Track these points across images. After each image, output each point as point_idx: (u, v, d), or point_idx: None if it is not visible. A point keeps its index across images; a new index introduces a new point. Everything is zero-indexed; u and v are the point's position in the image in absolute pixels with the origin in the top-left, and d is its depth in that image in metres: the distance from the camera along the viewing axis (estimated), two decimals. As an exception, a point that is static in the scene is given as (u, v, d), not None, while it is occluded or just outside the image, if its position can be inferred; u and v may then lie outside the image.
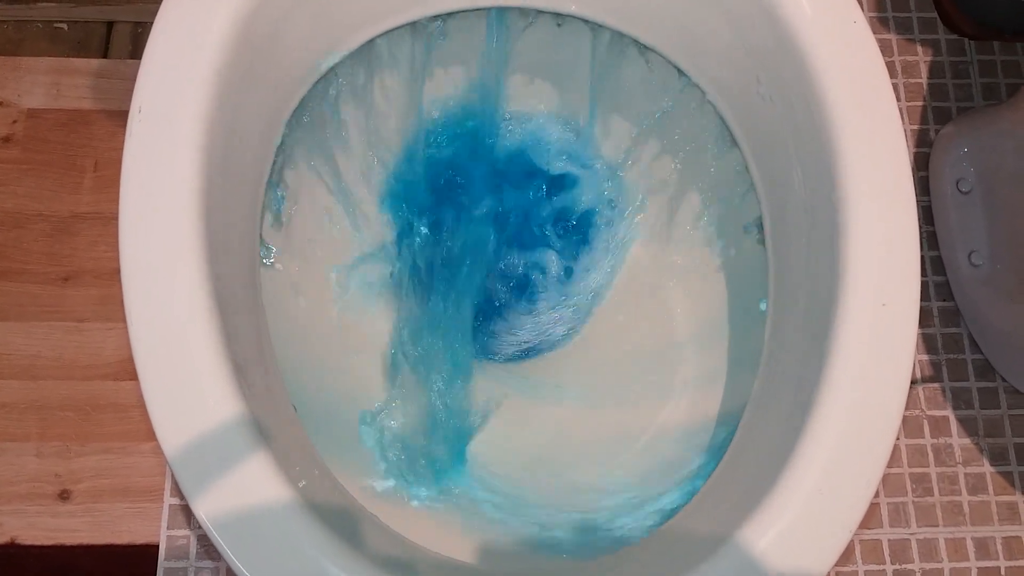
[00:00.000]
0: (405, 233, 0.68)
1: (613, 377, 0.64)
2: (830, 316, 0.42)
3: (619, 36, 0.56)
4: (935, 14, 0.89)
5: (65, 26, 0.84)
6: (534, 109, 0.66)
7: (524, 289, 0.70)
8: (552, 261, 0.70)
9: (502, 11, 0.57)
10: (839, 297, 0.42)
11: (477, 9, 0.54)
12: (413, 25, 0.55)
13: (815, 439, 0.40)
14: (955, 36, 0.89)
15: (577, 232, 0.70)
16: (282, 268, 0.55)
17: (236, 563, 0.36)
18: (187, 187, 0.39)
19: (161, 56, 0.41)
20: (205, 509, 0.36)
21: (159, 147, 0.39)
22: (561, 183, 0.71)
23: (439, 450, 0.59)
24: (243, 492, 0.37)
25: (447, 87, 0.64)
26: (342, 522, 0.43)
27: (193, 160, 0.40)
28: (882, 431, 0.40)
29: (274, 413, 0.43)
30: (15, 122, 0.80)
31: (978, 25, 0.90)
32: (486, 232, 0.70)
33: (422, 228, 0.69)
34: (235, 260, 0.44)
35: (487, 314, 0.69)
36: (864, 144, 0.44)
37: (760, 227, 0.52)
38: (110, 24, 0.84)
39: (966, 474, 0.76)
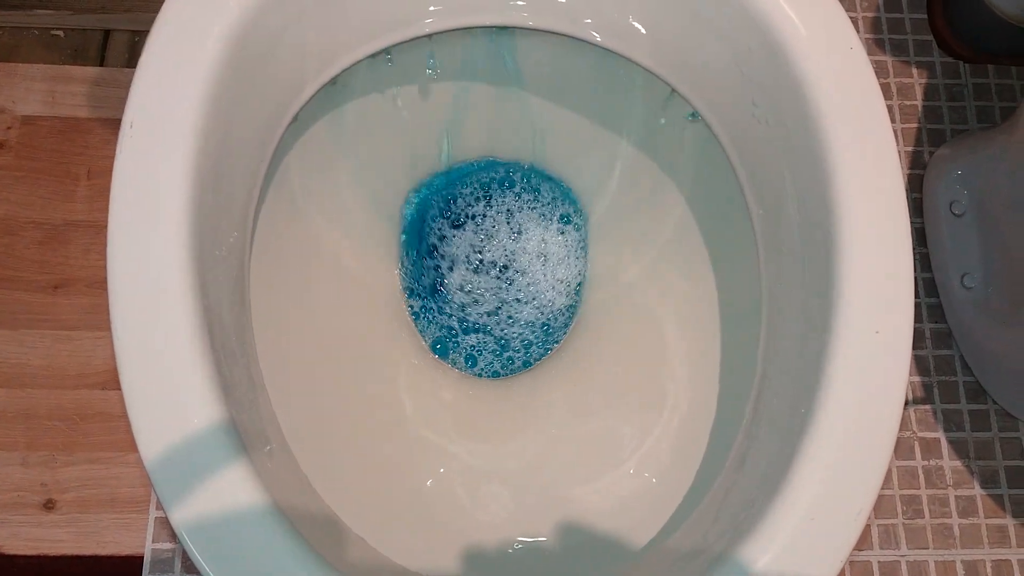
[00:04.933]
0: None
1: (602, 396, 0.63)
2: (823, 341, 0.42)
3: (607, 54, 0.56)
4: (931, 37, 0.90)
5: (62, 33, 0.84)
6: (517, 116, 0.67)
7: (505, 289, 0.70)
8: (532, 266, 0.71)
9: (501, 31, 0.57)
10: (832, 323, 0.42)
11: (482, 27, 0.54)
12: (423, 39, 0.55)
13: (807, 466, 0.39)
14: (950, 59, 0.90)
15: (563, 240, 0.71)
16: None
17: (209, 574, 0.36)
18: (177, 205, 0.39)
19: (154, 71, 0.41)
20: (180, 517, 0.36)
21: (149, 163, 0.39)
22: (545, 189, 0.72)
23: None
24: (220, 503, 0.36)
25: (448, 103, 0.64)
26: (323, 535, 0.43)
27: (184, 177, 0.39)
28: (873, 461, 0.40)
29: (258, 420, 0.43)
30: (9, 128, 0.80)
31: (973, 48, 0.91)
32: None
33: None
34: (223, 270, 0.44)
35: (470, 326, 0.70)
36: (859, 169, 0.44)
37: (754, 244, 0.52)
38: (107, 32, 0.84)
39: (956, 496, 0.76)
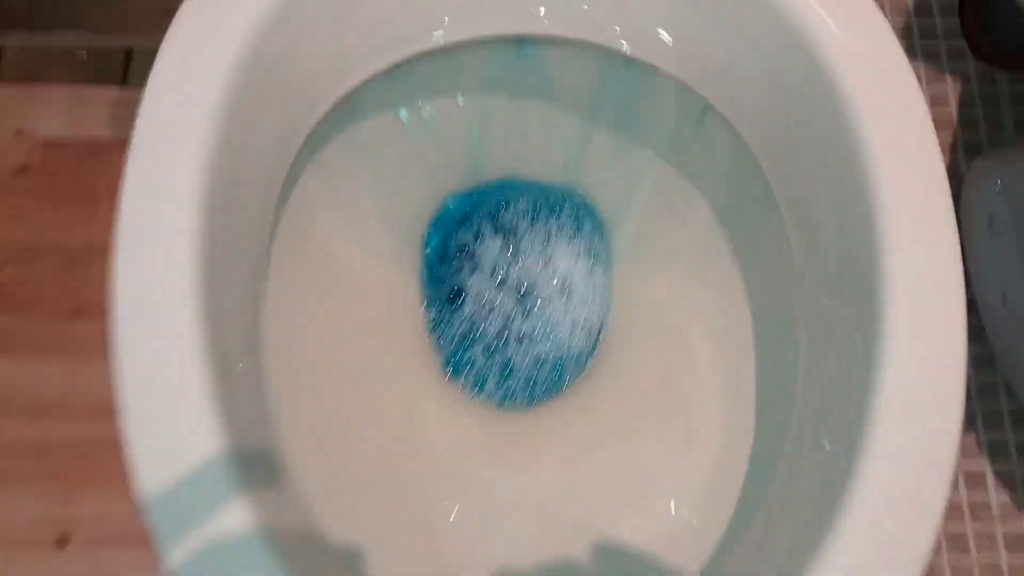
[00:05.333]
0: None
1: (631, 424, 0.61)
2: (868, 377, 0.40)
3: (635, 64, 0.54)
4: (963, 42, 0.87)
5: (84, 54, 0.84)
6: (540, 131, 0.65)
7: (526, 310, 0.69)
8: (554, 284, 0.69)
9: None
10: (877, 355, 0.40)
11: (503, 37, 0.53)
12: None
13: (853, 515, 0.37)
14: (985, 65, 0.87)
15: (585, 255, 0.69)
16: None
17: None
18: (186, 225, 0.38)
19: (165, 85, 0.40)
20: (173, 564, 0.34)
21: (157, 183, 0.38)
22: (568, 203, 0.70)
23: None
24: (218, 552, 0.35)
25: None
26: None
27: (193, 198, 0.38)
28: (927, 509, 0.37)
29: (267, 445, 0.41)
30: (32, 151, 0.80)
31: (1009, 53, 0.88)
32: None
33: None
34: (236, 292, 0.42)
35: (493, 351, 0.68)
36: (903, 185, 0.42)
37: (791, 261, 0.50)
38: (129, 52, 0.84)
39: (1004, 533, 0.72)
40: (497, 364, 0.67)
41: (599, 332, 0.67)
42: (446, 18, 0.50)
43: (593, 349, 0.67)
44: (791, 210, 0.49)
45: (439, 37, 0.50)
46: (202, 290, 0.37)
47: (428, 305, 0.68)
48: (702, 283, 0.60)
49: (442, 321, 0.68)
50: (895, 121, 0.43)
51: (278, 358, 0.47)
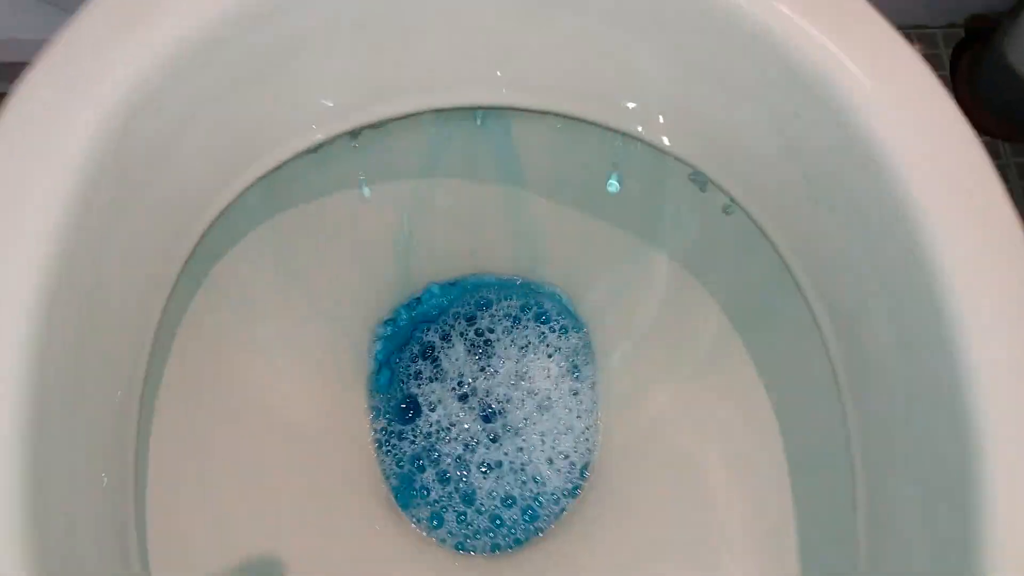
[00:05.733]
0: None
1: (633, 572, 0.49)
2: (967, 501, 0.29)
3: (616, 136, 0.45)
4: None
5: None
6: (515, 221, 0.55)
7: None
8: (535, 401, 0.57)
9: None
10: (974, 471, 0.29)
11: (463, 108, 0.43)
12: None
13: None
14: (986, 138, 0.80)
15: (565, 364, 0.58)
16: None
17: None
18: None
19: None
20: None
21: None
22: (544, 300, 0.60)
23: None
24: None
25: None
26: None
27: (19, 330, 0.27)
28: None
29: None
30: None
31: (1008, 123, 0.82)
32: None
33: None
34: (92, 440, 0.31)
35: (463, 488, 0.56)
36: (975, 259, 0.32)
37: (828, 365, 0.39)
38: None
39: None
40: (457, 496, 0.55)
41: (585, 465, 0.56)
42: (378, 85, 0.40)
43: (577, 486, 0.55)
44: (830, 314, 0.39)
45: (373, 111, 0.41)
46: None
47: (376, 416, 0.56)
48: (716, 395, 0.49)
49: (392, 435, 0.56)
50: (963, 202, 0.33)
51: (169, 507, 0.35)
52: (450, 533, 0.54)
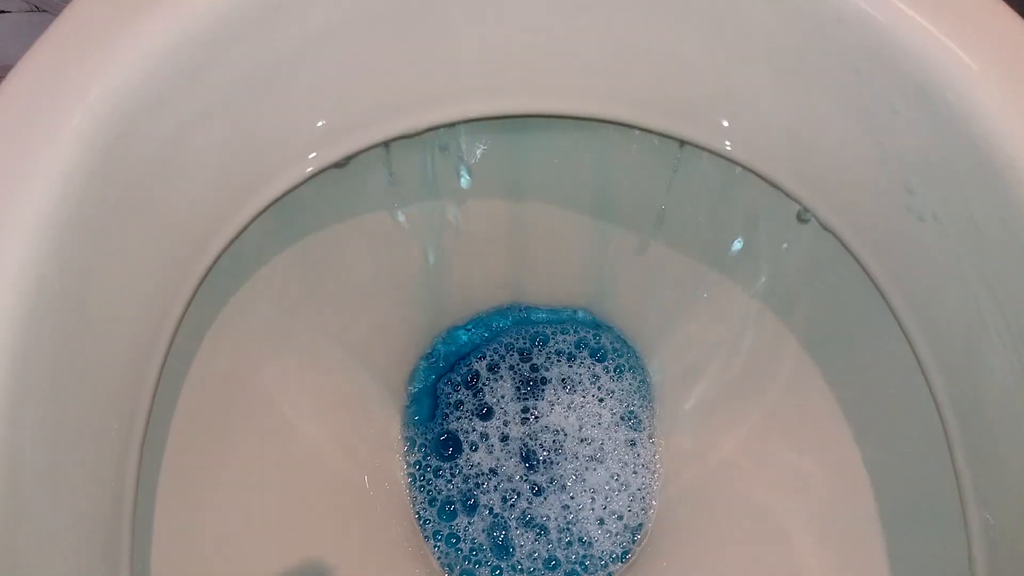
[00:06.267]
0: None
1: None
2: None
3: (674, 146, 0.40)
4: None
5: None
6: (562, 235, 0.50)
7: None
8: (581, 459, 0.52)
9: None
10: None
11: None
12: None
13: None
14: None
15: (620, 408, 0.52)
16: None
17: None
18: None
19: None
20: None
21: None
22: (593, 335, 0.54)
23: None
24: None
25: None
26: None
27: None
28: None
29: None
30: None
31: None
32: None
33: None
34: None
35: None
36: None
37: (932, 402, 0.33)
38: None
39: None
40: (493, 549, 0.49)
41: (639, 525, 0.49)
42: (427, 93, 0.36)
43: (628, 550, 0.49)
44: (932, 345, 0.33)
45: (422, 118, 0.36)
46: None
47: (411, 449, 0.52)
48: (796, 448, 0.43)
49: (427, 469, 0.51)
50: None
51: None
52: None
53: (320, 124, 0.35)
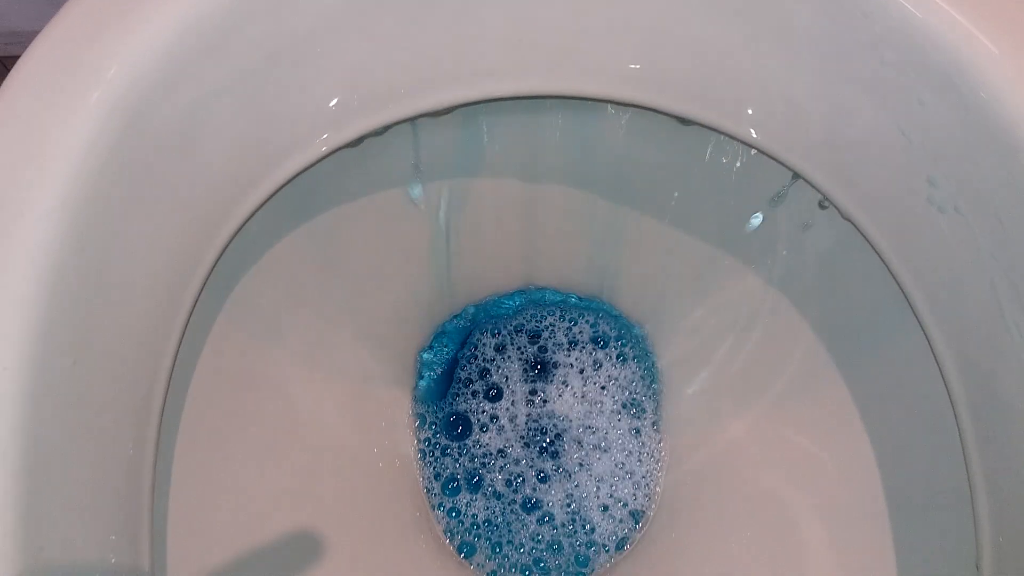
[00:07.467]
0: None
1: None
2: None
3: (691, 130, 0.39)
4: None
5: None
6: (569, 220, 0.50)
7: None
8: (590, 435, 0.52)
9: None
10: None
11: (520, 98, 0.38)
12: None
13: None
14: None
15: (626, 394, 0.52)
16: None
17: None
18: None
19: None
20: None
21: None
22: (603, 321, 0.54)
23: None
24: None
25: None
26: None
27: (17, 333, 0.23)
28: None
29: None
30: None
31: None
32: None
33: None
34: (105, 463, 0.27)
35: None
36: None
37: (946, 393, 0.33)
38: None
39: None
40: (498, 529, 0.50)
41: (641, 510, 0.50)
42: (445, 67, 0.35)
43: (630, 534, 0.49)
44: (949, 338, 0.33)
45: (432, 99, 0.36)
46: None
47: (421, 426, 0.52)
48: (805, 434, 0.43)
49: (436, 447, 0.51)
50: None
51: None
52: (483, 563, 0.49)
53: (335, 102, 0.35)
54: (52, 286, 0.25)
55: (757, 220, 0.42)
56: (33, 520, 0.24)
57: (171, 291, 0.31)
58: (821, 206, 0.39)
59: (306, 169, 0.34)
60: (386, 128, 0.35)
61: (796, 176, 0.37)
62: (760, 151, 0.36)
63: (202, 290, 0.32)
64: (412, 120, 0.36)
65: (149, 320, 0.30)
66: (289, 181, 0.34)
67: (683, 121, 0.37)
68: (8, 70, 0.74)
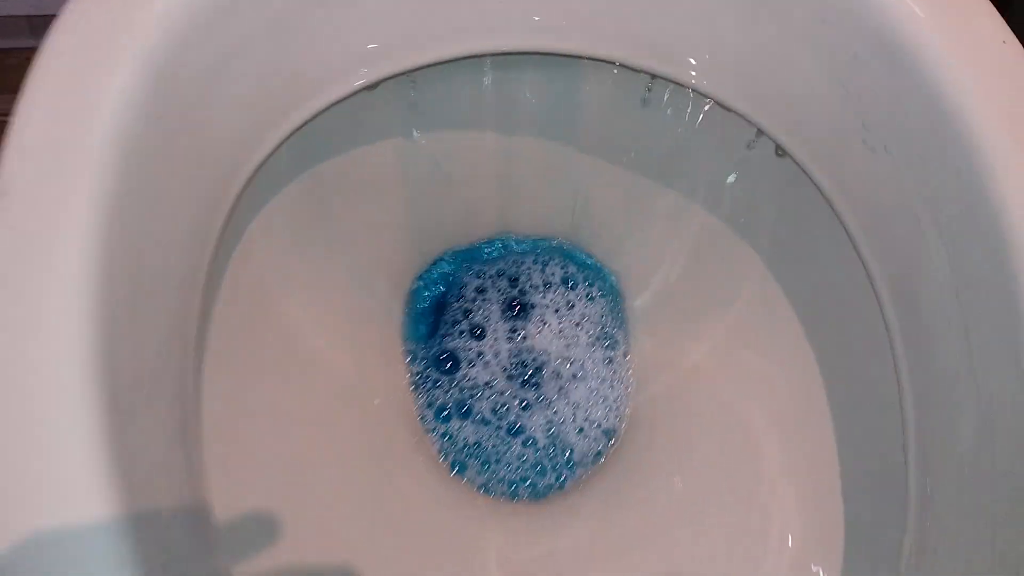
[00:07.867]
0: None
1: (675, 523, 0.49)
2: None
3: (656, 82, 0.44)
4: None
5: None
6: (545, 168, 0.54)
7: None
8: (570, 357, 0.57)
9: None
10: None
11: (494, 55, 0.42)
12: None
13: None
14: None
15: (596, 327, 0.57)
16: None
17: None
18: (68, 304, 0.26)
19: (41, 117, 0.29)
20: None
21: (29, 249, 0.27)
22: (571, 260, 0.59)
23: None
24: None
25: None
26: None
27: (78, 267, 0.27)
28: None
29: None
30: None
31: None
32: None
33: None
34: (152, 386, 0.30)
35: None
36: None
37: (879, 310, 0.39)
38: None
39: None
40: (486, 448, 0.55)
41: (614, 431, 0.55)
42: (424, 26, 0.39)
43: (604, 449, 0.55)
44: (883, 262, 0.38)
45: (420, 53, 0.40)
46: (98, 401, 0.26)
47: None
48: (760, 353, 0.49)
49: (427, 379, 0.56)
50: (1017, 114, 0.32)
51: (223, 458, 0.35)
52: (474, 478, 0.54)
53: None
54: (109, 222, 0.28)
55: (710, 164, 0.48)
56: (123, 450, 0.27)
57: (200, 231, 0.34)
58: (778, 154, 0.44)
59: (318, 114, 0.38)
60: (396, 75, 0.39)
61: (760, 132, 0.42)
62: (706, 96, 0.41)
63: (224, 230, 0.36)
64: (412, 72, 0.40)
65: (182, 259, 0.34)
66: (304, 124, 0.37)
67: (653, 76, 0.42)
68: (34, 28, 0.74)
